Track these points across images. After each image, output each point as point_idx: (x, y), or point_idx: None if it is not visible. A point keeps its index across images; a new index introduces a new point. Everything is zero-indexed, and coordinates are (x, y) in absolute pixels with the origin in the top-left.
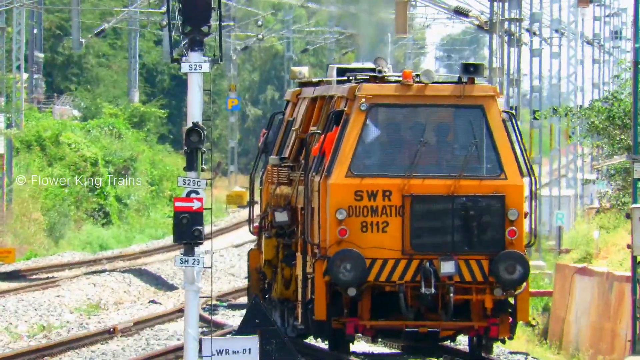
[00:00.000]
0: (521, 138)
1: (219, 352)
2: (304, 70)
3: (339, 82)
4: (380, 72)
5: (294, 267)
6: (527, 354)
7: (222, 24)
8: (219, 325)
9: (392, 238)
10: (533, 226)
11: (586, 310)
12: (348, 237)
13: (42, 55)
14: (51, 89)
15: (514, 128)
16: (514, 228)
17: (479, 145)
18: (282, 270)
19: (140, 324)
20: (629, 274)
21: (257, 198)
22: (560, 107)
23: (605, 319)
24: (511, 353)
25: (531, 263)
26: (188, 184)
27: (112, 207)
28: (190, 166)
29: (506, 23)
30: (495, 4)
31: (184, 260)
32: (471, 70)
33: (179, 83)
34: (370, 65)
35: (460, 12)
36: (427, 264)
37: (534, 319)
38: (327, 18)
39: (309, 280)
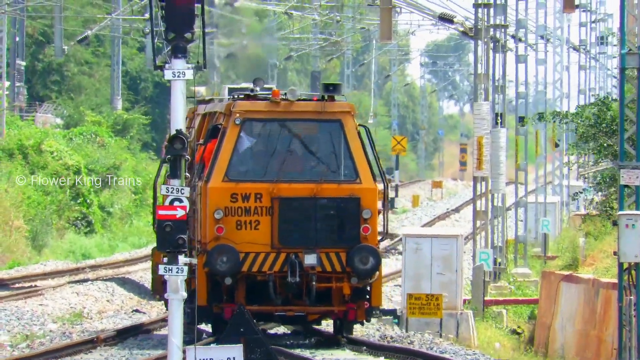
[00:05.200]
0: (374, 148)
1: None
2: (201, 90)
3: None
4: (252, 91)
5: None
6: None
7: (206, 30)
8: (203, 334)
9: (262, 234)
10: (385, 223)
11: (572, 318)
12: (225, 234)
13: (23, 62)
14: (32, 96)
15: (369, 140)
16: (367, 225)
17: (338, 154)
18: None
19: (124, 333)
20: (615, 281)
21: None
22: (546, 111)
23: (591, 326)
24: None
25: (517, 270)
26: (171, 192)
27: (95, 215)
28: (174, 174)
29: (491, 29)
30: (480, 10)
31: (167, 269)
32: (331, 89)
33: (162, 90)
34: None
35: (445, 19)
36: (293, 256)
37: (519, 326)
38: (311, 25)
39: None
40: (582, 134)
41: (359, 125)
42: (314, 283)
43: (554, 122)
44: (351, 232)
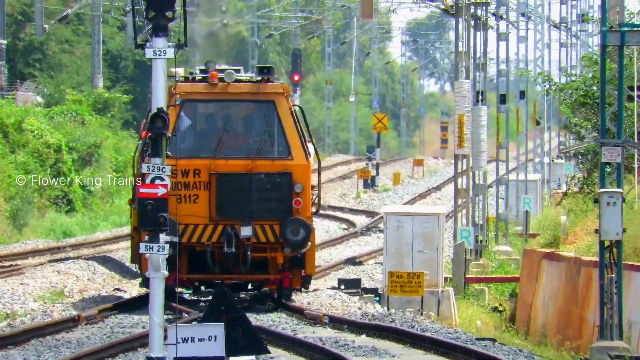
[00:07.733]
0: (307, 127)
1: (185, 340)
2: (179, 70)
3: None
4: (191, 73)
5: None
6: (494, 340)
7: (187, 9)
8: (184, 313)
9: (201, 207)
10: (318, 197)
11: (554, 296)
12: None
13: (4, 41)
14: (13, 75)
15: (304, 119)
16: (299, 199)
17: (271, 132)
18: (140, 235)
19: (105, 312)
20: (596, 258)
21: None
22: (537, 75)
23: (573, 304)
24: (478, 339)
25: (498, 248)
26: (153, 170)
27: (76, 194)
28: (155, 152)
29: (472, 7)
30: None
31: (148, 247)
32: (265, 72)
33: (143, 69)
34: (224, 66)
35: None
36: (230, 228)
37: (500, 304)
38: (292, 3)
39: None
40: (576, 100)
41: (294, 105)
42: (249, 253)
43: (544, 88)
44: (284, 205)
